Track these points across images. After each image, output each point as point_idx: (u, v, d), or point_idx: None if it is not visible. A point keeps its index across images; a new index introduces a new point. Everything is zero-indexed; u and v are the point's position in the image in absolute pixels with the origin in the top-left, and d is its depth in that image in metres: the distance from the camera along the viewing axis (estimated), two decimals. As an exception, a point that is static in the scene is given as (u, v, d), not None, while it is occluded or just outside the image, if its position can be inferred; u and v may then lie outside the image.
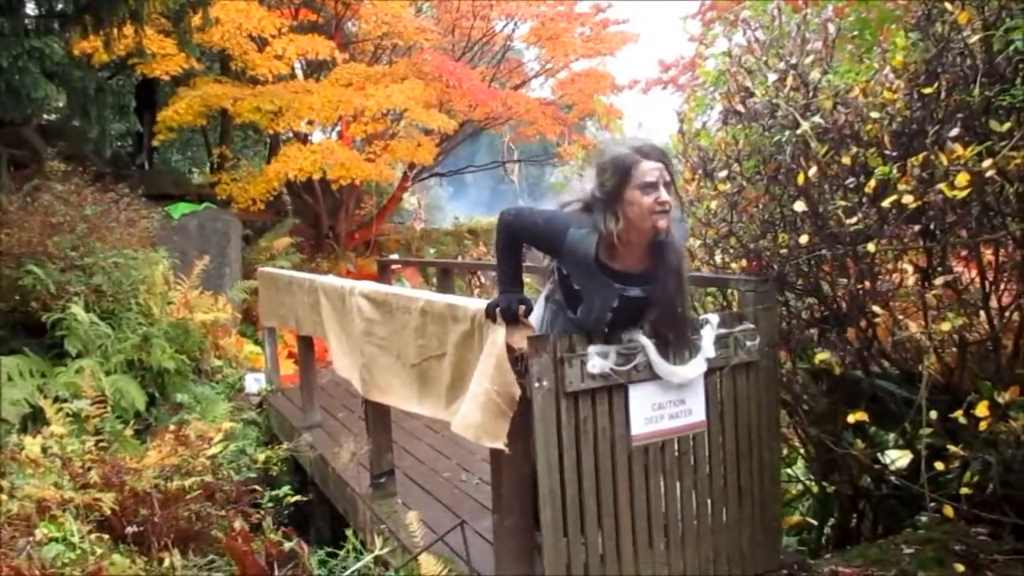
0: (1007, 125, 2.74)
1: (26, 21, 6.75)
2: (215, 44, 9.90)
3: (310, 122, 10.63)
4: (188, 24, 7.68)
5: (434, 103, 11.18)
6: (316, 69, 12.11)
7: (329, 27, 11.84)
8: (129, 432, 5.20)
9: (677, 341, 2.83)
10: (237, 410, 6.79)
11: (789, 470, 4.38)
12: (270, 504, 4.58)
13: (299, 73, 12.12)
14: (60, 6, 7.01)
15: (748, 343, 3.08)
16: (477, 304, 2.98)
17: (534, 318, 2.85)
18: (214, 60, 11.99)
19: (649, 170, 2.56)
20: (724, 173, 3.59)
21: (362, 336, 3.90)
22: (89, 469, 4.05)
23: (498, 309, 2.73)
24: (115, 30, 7.13)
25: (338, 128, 12.56)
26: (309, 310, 5.05)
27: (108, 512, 3.75)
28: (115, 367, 6.13)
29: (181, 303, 7.28)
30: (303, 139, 11.51)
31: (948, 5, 2.90)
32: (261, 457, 5.16)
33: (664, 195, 2.55)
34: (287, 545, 3.81)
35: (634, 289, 2.72)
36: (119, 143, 13.35)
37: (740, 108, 3.48)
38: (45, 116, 11.98)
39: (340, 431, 5.65)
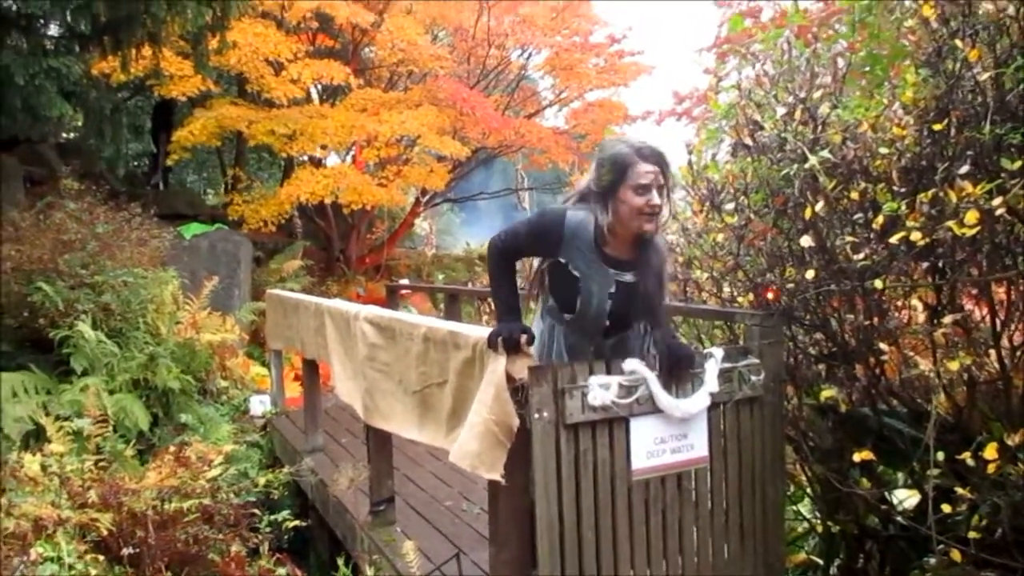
0: (1018, 163, 2.71)
1: (45, 41, 6.84)
2: (232, 67, 10.01)
3: (324, 146, 10.70)
4: (205, 47, 7.76)
5: (448, 130, 11.25)
6: (332, 94, 12.21)
7: (346, 52, 11.96)
8: (130, 452, 5.18)
9: (658, 337, 2.87)
10: (241, 432, 6.76)
11: (795, 508, 4.31)
12: (268, 529, 4.54)
13: (315, 97, 12.23)
14: (80, 27, 7.10)
15: (753, 378, 3.04)
16: (479, 332, 2.96)
17: (535, 332, 2.84)
18: (231, 82, 12.11)
19: (644, 172, 2.62)
20: (732, 206, 3.57)
21: (365, 361, 3.88)
22: (88, 488, 4.03)
23: (499, 338, 2.71)
24: (133, 51, 7.21)
25: (352, 152, 12.64)
26: (314, 333, 5.04)
27: (105, 533, 3.72)
28: (120, 386, 6.13)
29: (189, 323, 7.29)
30: (317, 162, 11.59)
31: (958, 42, 2.88)
32: (262, 480, 5.12)
33: (655, 199, 2.63)
34: (281, 571, 3.77)
35: (626, 275, 2.78)
36: (135, 163, 13.48)
37: (749, 141, 3.46)
38: (63, 135, 12.13)
39: (342, 456, 5.61)
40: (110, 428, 5.17)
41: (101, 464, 4.53)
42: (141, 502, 3.92)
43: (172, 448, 4.61)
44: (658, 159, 2.66)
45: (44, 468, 4.18)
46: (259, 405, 7.26)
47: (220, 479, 4.45)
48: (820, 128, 3.20)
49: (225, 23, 7.55)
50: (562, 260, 2.77)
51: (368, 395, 3.87)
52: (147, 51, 7.40)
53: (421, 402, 3.40)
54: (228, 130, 10.37)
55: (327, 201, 10.47)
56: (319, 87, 12.19)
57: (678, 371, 2.82)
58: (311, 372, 5.99)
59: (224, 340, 7.60)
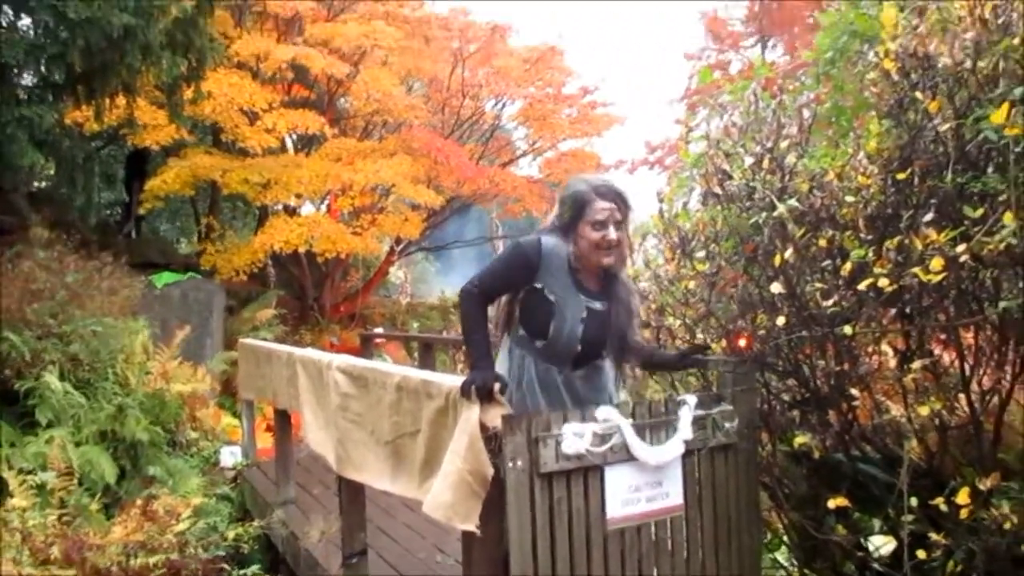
0: (980, 211, 2.77)
1: (19, 90, 6.83)
2: (207, 116, 10.04)
3: (298, 195, 10.72)
4: (180, 97, 7.80)
5: (422, 179, 11.32)
6: (307, 143, 12.27)
7: (321, 103, 12.05)
8: (96, 506, 5.05)
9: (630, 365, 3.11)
10: (211, 484, 6.63)
11: (772, 556, 4.28)
12: (236, 584, 4.44)
13: (290, 147, 12.28)
14: (54, 76, 7.10)
15: (727, 424, 3.04)
16: (452, 380, 2.94)
17: (501, 371, 2.87)
18: (206, 132, 12.13)
19: (601, 209, 2.79)
20: (703, 253, 3.60)
21: (338, 411, 3.84)
22: (51, 544, 3.91)
23: (473, 386, 2.70)
24: (107, 100, 7.22)
25: (326, 201, 12.66)
26: (286, 383, 4.98)
27: (67, 590, 3.61)
28: (87, 438, 6.00)
29: (159, 373, 7.18)
30: (291, 211, 11.58)
31: (919, 95, 2.96)
32: (232, 534, 5.00)
33: (611, 234, 2.79)
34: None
35: (597, 303, 2.89)
36: (107, 211, 13.39)
37: (718, 190, 3.52)
38: (35, 183, 12.04)
39: (314, 507, 5.51)
40: (75, 481, 5.05)
41: (65, 519, 4.42)
42: (106, 558, 3.82)
43: (139, 501, 4.51)
44: (615, 197, 2.82)
45: (5, 523, 4.07)
46: (230, 456, 7.13)
47: (188, 533, 4.35)
48: (787, 177, 3.25)
49: (200, 73, 7.60)
50: (538, 285, 2.84)
51: (340, 445, 3.82)
52: (121, 100, 7.42)
53: (394, 452, 3.35)
54: (202, 179, 10.36)
55: (301, 250, 10.45)
56: (294, 137, 12.25)
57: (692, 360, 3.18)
58: (283, 423, 5.91)
59: (195, 390, 7.49)
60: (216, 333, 9.72)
